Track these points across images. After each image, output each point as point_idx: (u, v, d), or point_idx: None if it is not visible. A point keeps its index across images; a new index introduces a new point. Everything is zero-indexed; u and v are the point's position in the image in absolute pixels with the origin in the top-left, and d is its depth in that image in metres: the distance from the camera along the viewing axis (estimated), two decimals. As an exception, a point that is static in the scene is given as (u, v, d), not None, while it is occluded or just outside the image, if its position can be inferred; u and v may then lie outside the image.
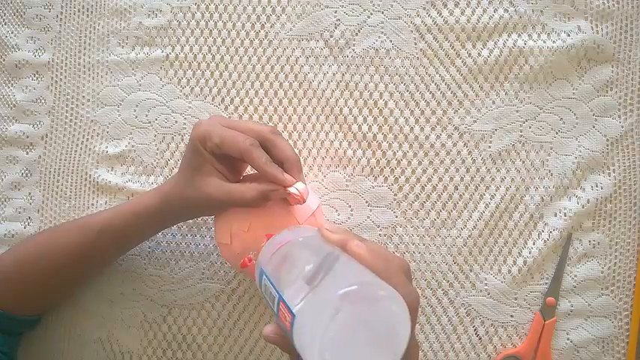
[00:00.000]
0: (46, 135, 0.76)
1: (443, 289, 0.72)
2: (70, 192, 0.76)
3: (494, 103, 0.73)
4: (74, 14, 0.78)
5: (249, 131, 0.59)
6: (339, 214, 0.73)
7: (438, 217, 0.73)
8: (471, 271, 0.72)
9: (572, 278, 0.71)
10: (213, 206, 0.62)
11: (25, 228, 0.75)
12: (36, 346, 0.73)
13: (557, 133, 0.73)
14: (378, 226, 0.73)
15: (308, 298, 0.42)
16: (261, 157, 0.57)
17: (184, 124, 0.75)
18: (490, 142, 0.73)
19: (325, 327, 0.38)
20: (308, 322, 0.40)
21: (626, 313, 0.71)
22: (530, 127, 0.73)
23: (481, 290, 0.72)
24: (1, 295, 0.65)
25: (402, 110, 0.74)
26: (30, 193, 0.76)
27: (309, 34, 0.75)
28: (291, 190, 0.57)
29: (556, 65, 0.73)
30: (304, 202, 0.58)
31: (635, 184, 0.72)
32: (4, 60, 0.77)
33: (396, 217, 0.73)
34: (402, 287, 0.44)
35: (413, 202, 0.73)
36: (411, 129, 0.74)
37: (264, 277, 0.50)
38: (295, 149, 0.73)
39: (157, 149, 0.75)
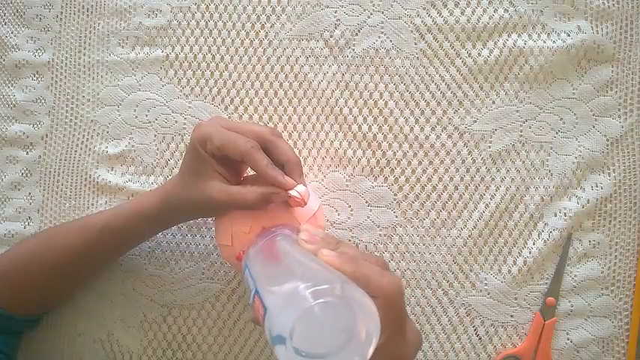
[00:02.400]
0: (46, 135, 0.76)
1: (443, 289, 0.72)
2: (70, 192, 0.76)
3: (494, 103, 0.73)
4: (74, 14, 0.78)
5: (249, 133, 0.59)
6: (339, 214, 0.73)
7: (438, 217, 0.73)
8: (471, 271, 0.72)
9: (572, 278, 0.71)
10: (213, 208, 0.62)
11: (25, 228, 0.75)
12: (36, 346, 0.73)
13: (557, 133, 0.73)
14: (378, 226, 0.73)
15: (279, 294, 0.44)
16: (262, 159, 0.57)
17: (184, 124, 0.75)
18: (490, 142, 0.73)
19: (294, 320, 0.40)
20: (277, 317, 0.42)
21: (626, 313, 0.71)
22: (530, 127, 0.73)
23: (481, 290, 0.72)
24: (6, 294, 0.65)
25: (402, 110, 0.74)
26: (30, 193, 0.76)
27: (309, 34, 0.75)
28: (292, 193, 0.57)
29: (556, 65, 0.73)
30: (305, 204, 0.58)
31: (635, 184, 0.72)
32: (4, 60, 0.78)
33: (396, 217, 0.73)
34: (376, 280, 0.47)
35: (413, 202, 0.73)
36: (411, 129, 0.74)
37: (247, 269, 0.52)
38: (295, 149, 0.73)
39: (157, 149, 0.76)
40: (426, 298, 0.72)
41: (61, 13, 0.78)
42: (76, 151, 0.76)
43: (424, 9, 0.75)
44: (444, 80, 0.74)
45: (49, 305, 0.71)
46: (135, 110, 0.76)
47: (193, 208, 0.63)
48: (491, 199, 0.73)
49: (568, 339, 0.71)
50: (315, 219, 0.61)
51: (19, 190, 0.76)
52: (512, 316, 0.71)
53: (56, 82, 0.77)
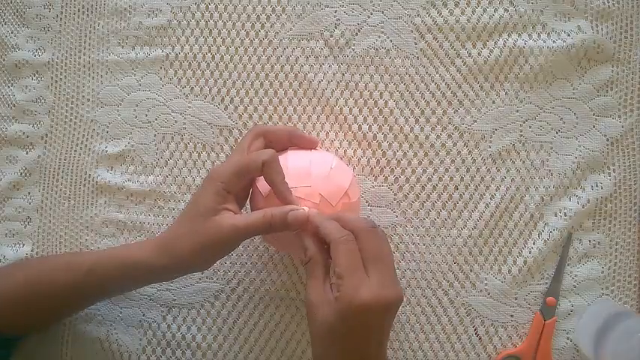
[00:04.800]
0: (46, 135, 0.76)
1: (443, 289, 0.72)
2: (70, 191, 0.75)
3: (494, 102, 0.73)
4: (74, 14, 0.78)
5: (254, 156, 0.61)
6: (338, 214, 0.73)
7: (438, 217, 0.73)
8: (471, 271, 0.72)
9: (573, 278, 0.71)
10: (224, 239, 0.60)
11: (24, 228, 0.75)
12: (34, 346, 0.72)
13: (557, 133, 0.73)
14: (378, 226, 0.72)
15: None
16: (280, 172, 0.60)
17: (184, 123, 0.75)
18: (490, 142, 0.73)
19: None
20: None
21: (627, 313, 0.71)
22: (530, 127, 0.73)
23: (481, 290, 0.71)
24: None
25: (402, 110, 0.74)
26: (29, 193, 0.76)
27: (309, 33, 0.75)
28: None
29: (556, 65, 0.73)
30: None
31: (635, 184, 0.72)
32: (4, 60, 0.78)
33: (396, 217, 0.73)
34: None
35: (413, 202, 0.73)
36: (411, 129, 0.74)
37: None
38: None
39: (157, 149, 0.75)
40: (426, 298, 0.72)
41: (61, 12, 0.78)
42: (75, 151, 0.76)
43: (424, 9, 0.75)
44: (444, 80, 0.74)
45: (35, 330, 0.71)
46: (135, 110, 0.76)
47: (200, 244, 0.59)
48: (491, 199, 0.72)
49: (568, 339, 0.70)
50: (347, 197, 0.62)
51: (18, 189, 0.76)
52: (512, 316, 0.71)
53: (56, 81, 0.77)
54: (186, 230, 0.59)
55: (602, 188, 0.72)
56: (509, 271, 0.71)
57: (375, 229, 0.56)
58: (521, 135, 0.73)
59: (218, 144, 0.75)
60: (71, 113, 0.77)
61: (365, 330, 0.53)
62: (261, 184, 0.62)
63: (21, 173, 0.76)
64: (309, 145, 0.66)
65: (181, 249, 0.59)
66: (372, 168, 0.74)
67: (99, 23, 0.78)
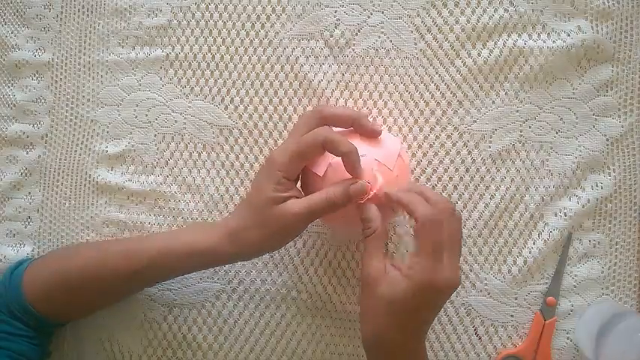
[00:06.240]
0: (46, 135, 0.76)
1: (443, 289, 0.72)
2: (70, 192, 0.76)
3: (494, 103, 0.73)
4: (74, 14, 0.78)
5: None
6: (339, 214, 0.73)
7: (438, 217, 0.73)
8: (470, 271, 0.72)
9: (573, 278, 0.71)
10: (290, 226, 0.60)
11: (25, 228, 0.75)
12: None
13: (557, 133, 0.73)
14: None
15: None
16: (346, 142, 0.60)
17: (184, 123, 0.75)
18: (490, 142, 0.73)
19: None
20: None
21: (626, 312, 0.71)
22: (530, 127, 0.73)
23: (481, 290, 0.72)
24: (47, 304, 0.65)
25: (401, 110, 0.74)
26: (30, 193, 0.76)
27: (309, 33, 0.75)
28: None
29: (556, 65, 0.73)
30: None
31: (635, 184, 0.72)
32: (4, 60, 0.77)
33: (397, 216, 0.73)
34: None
35: (413, 202, 0.73)
36: (411, 129, 0.74)
37: None
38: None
39: (157, 149, 0.76)
40: (426, 297, 0.72)
41: (61, 12, 0.78)
42: (75, 151, 0.76)
43: (424, 9, 0.74)
44: (443, 80, 0.74)
45: (83, 316, 0.72)
46: (135, 110, 0.76)
47: (268, 234, 0.60)
48: (491, 199, 0.72)
49: (568, 339, 0.71)
50: (401, 159, 0.64)
51: (18, 189, 0.76)
52: (512, 315, 0.71)
53: (56, 81, 0.77)
54: (252, 222, 0.61)
55: (602, 188, 0.72)
56: (509, 271, 0.71)
57: (457, 214, 0.57)
58: (521, 135, 0.73)
59: (218, 144, 0.75)
60: (71, 113, 0.77)
61: (429, 308, 0.57)
62: (314, 166, 0.62)
63: (21, 173, 0.76)
64: (371, 135, 0.64)
65: (251, 240, 0.60)
66: (372, 168, 0.74)
67: (99, 23, 0.78)
